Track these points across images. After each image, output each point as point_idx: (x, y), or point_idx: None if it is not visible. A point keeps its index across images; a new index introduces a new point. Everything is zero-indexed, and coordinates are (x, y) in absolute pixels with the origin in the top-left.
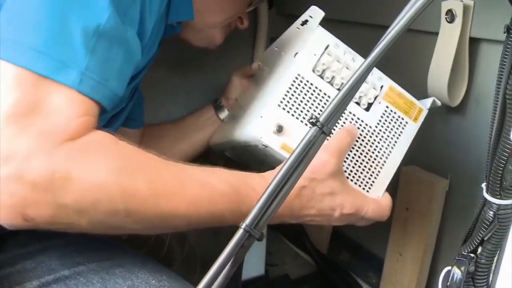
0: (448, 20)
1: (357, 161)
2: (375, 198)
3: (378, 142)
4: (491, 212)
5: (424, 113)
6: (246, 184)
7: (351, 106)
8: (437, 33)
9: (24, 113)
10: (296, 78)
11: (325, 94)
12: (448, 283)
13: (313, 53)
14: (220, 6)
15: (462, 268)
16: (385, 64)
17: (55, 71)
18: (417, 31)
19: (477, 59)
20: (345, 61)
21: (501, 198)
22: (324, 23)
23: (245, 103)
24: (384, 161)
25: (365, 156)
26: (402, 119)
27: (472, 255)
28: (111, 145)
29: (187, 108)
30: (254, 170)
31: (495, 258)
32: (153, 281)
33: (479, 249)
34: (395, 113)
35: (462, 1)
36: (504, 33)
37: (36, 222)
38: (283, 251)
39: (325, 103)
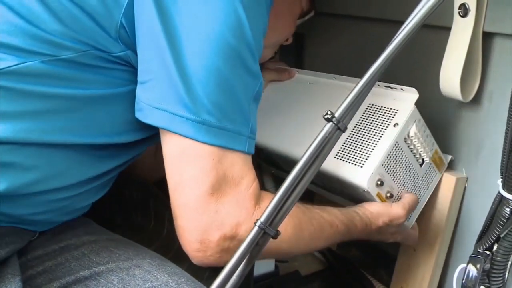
0: (461, 14)
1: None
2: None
3: (419, 185)
4: (508, 209)
5: (445, 166)
6: (352, 223)
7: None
8: (449, 28)
9: (221, 189)
10: (396, 144)
11: (409, 160)
12: (463, 281)
13: (407, 126)
14: (274, 28)
15: (478, 266)
16: (398, 60)
17: (233, 142)
18: (430, 26)
19: (490, 54)
20: (422, 134)
21: None
22: (334, 18)
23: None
24: (419, 201)
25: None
26: (435, 171)
27: (487, 252)
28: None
29: None
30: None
31: None
32: (173, 283)
33: (495, 247)
34: (434, 169)
35: None
36: None
37: None
38: None
39: (408, 168)
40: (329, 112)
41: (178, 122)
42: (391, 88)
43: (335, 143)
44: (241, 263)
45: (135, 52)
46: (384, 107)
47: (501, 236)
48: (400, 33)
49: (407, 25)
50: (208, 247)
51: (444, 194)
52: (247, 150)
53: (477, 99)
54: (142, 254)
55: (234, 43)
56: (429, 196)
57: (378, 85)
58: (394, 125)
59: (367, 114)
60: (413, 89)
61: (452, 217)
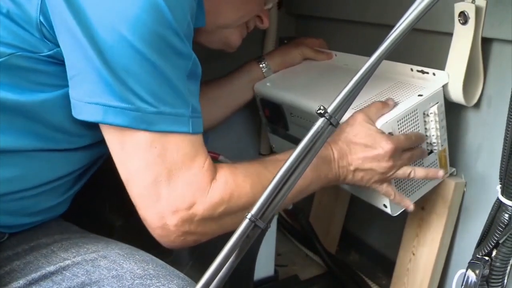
0: (461, 21)
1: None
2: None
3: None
4: (507, 215)
5: (447, 174)
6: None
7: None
8: (451, 34)
9: (170, 175)
10: (415, 110)
11: (425, 131)
12: (462, 286)
13: (429, 102)
14: (230, 6)
15: (477, 272)
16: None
17: (174, 125)
18: (432, 32)
19: (489, 59)
20: (440, 121)
21: None
22: (331, 22)
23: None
24: (414, 191)
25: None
26: None
27: (486, 258)
28: (237, 176)
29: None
30: None
31: (511, 262)
32: (138, 270)
33: (494, 252)
34: (436, 165)
35: (474, 2)
36: None
37: (203, 240)
38: (292, 252)
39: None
40: (321, 107)
41: (113, 113)
42: (423, 72)
43: (327, 138)
44: (231, 255)
45: None
46: (413, 85)
47: (500, 242)
48: (393, 32)
49: (400, 24)
50: (169, 232)
51: (443, 198)
52: (192, 130)
53: (476, 104)
54: (112, 246)
55: (154, 27)
56: (421, 195)
57: (411, 69)
58: (418, 95)
59: (394, 87)
60: (444, 73)
61: (451, 221)
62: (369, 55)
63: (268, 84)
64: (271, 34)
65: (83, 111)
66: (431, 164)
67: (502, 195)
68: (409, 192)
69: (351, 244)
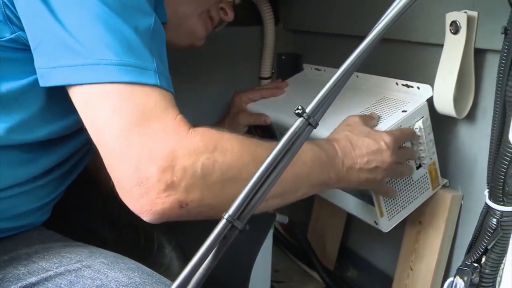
0: (452, 31)
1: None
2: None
3: (410, 189)
4: (494, 220)
5: (439, 186)
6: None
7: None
8: (442, 45)
9: (141, 121)
10: (399, 127)
11: (412, 146)
12: None
13: (414, 117)
14: None
15: (465, 278)
16: (393, 77)
17: (140, 76)
18: (422, 44)
19: (483, 70)
20: (427, 135)
21: (504, 205)
22: (329, 37)
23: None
24: (405, 206)
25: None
26: (428, 184)
27: (475, 265)
28: (215, 132)
29: (195, 124)
30: None
31: (501, 268)
32: (124, 278)
33: (483, 259)
34: (427, 181)
35: (466, 12)
36: (502, 33)
37: (189, 207)
38: (290, 268)
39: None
40: (299, 107)
41: (74, 72)
42: (408, 86)
43: (306, 138)
44: (208, 255)
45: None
46: (397, 99)
47: (489, 247)
48: (370, 33)
49: (379, 24)
50: (149, 187)
51: (440, 212)
52: (160, 84)
53: (471, 116)
54: (96, 255)
55: None
56: (414, 209)
57: (396, 83)
58: (402, 111)
59: (379, 103)
60: (428, 87)
61: (449, 235)
62: (366, 68)
63: (259, 105)
64: (268, 50)
65: (50, 77)
66: (421, 178)
67: (490, 199)
68: (401, 207)
69: (349, 260)
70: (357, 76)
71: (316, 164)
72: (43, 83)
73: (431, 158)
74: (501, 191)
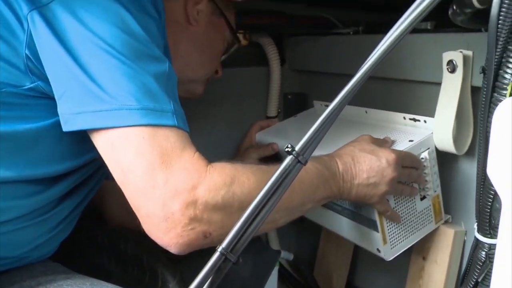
0: (449, 70)
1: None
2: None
3: (413, 219)
4: (483, 252)
5: (442, 221)
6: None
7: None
8: (440, 84)
9: (164, 161)
10: None
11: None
12: None
13: (420, 147)
14: (198, 63)
15: None
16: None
17: (160, 118)
18: (421, 82)
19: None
20: (432, 167)
21: (491, 238)
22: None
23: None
24: (407, 237)
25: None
26: (431, 217)
27: None
28: (231, 166)
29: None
30: None
31: None
32: None
33: None
34: (431, 215)
35: (461, 51)
36: (480, 73)
37: (213, 236)
38: None
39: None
40: (289, 146)
41: (99, 117)
42: (415, 120)
43: (296, 175)
44: (202, 287)
45: (46, 81)
46: (404, 132)
47: (479, 280)
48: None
49: (369, 60)
50: (175, 221)
51: (443, 247)
52: (178, 125)
53: (471, 152)
54: (97, 287)
55: (125, 37)
56: (416, 241)
57: (404, 117)
58: (409, 141)
59: (388, 133)
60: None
61: (453, 271)
62: (369, 106)
63: (268, 133)
64: (275, 90)
65: (74, 122)
66: (424, 209)
67: (478, 233)
68: (404, 237)
69: None
70: (366, 112)
71: (320, 181)
72: (67, 127)
73: (435, 191)
74: (488, 224)
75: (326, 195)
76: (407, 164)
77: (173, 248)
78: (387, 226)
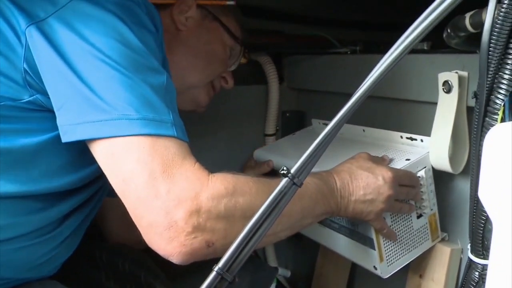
0: (445, 90)
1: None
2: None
3: (409, 237)
4: (476, 273)
5: (438, 239)
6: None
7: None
8: (436, 103)
9: (165, 170)
10: None
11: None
12: None
13: (417, 166)
14: (195, 67)
15: None
16: None
17: (159, 128)
18: (417, 102)
19: None
20: (428, 185)
21: (484, 258)
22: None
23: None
24: (404, 254)
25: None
26: (427, 235)
27: None
28: (233, 176)
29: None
30: None
31: None
32: None
33: None
34: (427, 233)
35: (457, 72)
36: (472, 98)
37: (216, 246)
38: None
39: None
40: (284, 168)
41: (99, 127)
42: (412, 139)
43: (291, 197)
44: None
45: (44, 94)
46: (401, 150)
47: None
48: (357, 92)
49: (367, 81)
50: (178, 230)
51: (440, 265)
52: (178, 135)
53: (467, 171)
54: None
55: (123, 48)
56: (412, 259)
57: (401, 136)
58: (405, 160)
59: (385, 152)
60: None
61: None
62: (366, 124)
63: (266, 151)
64: (273, 108)
65: (74, 133)
66: (421, 227)
67: (471, 253)
68: (400, 254)
69: None
70: (363, 130)
71: (319, 197)
72: (67, 138)
73: (431, 209)
74: (480, 245)
75: (325, 210)
76: (404, 183)
77: (175, 258)
78: (384, 244)
